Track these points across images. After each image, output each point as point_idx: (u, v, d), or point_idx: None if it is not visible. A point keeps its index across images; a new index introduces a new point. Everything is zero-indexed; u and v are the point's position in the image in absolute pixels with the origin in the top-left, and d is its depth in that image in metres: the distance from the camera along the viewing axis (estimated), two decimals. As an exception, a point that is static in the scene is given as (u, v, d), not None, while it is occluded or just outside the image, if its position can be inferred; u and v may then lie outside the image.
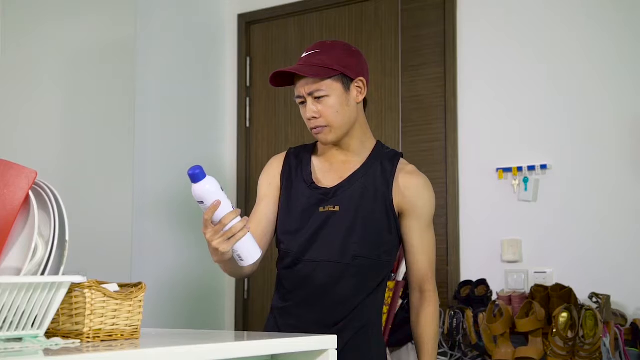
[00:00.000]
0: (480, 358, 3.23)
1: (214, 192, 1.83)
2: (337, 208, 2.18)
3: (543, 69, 3.53)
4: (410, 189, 2.21)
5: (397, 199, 2.20)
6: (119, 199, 3.90)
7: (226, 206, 1.85)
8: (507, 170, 3.54)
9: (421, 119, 3.81)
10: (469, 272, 3.59)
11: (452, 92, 3.72)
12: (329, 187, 2.21)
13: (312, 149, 2.32)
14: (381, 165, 2.23)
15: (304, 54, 2.20)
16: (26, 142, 4.12)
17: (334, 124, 2.17)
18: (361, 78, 2.21)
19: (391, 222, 2.19)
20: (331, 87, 2.16)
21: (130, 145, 3.89)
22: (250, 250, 1.93)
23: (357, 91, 2.21)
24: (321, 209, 2.18)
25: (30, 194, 1.60)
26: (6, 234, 1.57)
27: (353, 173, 2.22)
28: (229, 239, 1.86)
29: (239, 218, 1.87)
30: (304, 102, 2.18)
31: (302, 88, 2.16)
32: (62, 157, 4.05)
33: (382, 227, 2.18)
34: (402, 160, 2.27)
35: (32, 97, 4.17)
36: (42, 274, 1.58)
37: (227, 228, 1.85)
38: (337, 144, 2.24)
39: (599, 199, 3.36)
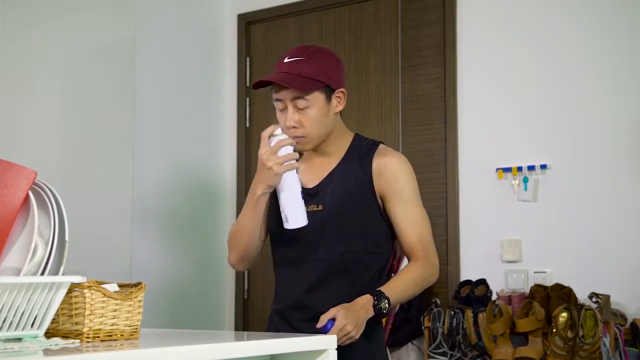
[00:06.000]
0: (480, 358, 3.24)
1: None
2: (320, 207, 2.19)
3: (543, 69, 3.53)
4: (385, 169, 2.20)
5: (377, 185, 2.19)
6: (119, 199, 3.90)
7: (285, 135, 2.11)
8: (507, 170, 3.54)
9: (421, 119, 3.81)
10: (468, 272, 3.59)
11: (452, 92, 3.72)
12: (309, 187, 2.22)
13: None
14: (359, 157, 2.23)
15: (288, 59, 2.17)
16: (26, 142, 4.12)
17: (311, 134, 2.18)
18: (342, 89, 2.22)
19: (376, 211, 2.19)
20: (315, 99, 2.15)
21: (130, 146, 3.89)
22: (298, 214, 2.09)
23: (337, 101, 2.21)
24: (306, 209, 2.19)
25: (30, 194, 1.60)
26: (6, 234, 1.57)
27: (331, 171, 2.23)
28: (282, 163, 2.05)
29: (292, 149, 2.08)
30: (284, 109, 2.18)
31: (286, 96, 2.16)
32: (62, 157, 4.06)
33: (367, 219, 2.19)
34: (380, 147, 2.26)
35: (32, 97, 4.17)
36: (42, 274, 1.58)
37: (282, 153, 2.06)
38: (314, 149, 2.25)
39: (599, 199, 3.36)
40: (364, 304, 2.06)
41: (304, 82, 2.13)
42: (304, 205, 2.11)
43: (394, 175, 2.20)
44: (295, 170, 2.09)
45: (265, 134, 2.10)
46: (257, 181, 2.12)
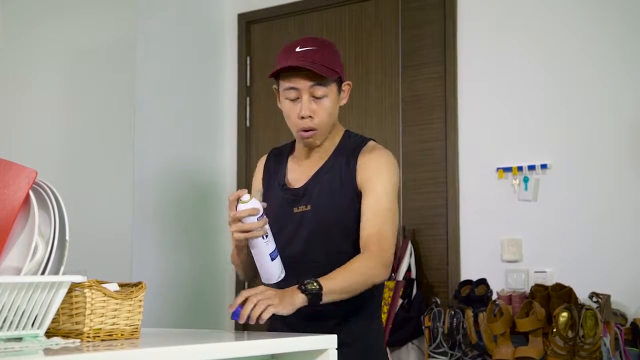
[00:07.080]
0: (480, 358, 3.23)
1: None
2: (308, 207, 2.17)
3: (543, 68, 3.53)
4: (367, 162, 2.16)
5: (359, 180, 2.16)
6: (119, 199, 3.90)
7: (252, 202, 2.00)
8: (507, 169, 3.54)
9: (421, 118, 3.81)
10: (469, 271, 3.59)
11: (452, 92, 3.72)
12: (297, 187, 2.22)
13: (290, 148, 2.33)
14: (346, 155, 2.20)
15: (302, 49, 2.11)
16: (26, 142, 4.13)
17: (325, 126, 2.16)
18: (349, 82, 2.21)
19: (359, 209, 2.14)
20: (331, 89, 2.14)
21: (130, 146, 3.89)
22: (270, 273, 2.09)
23: (343, 95, 2.21)
24: (295, 210, 2.18)
25: (31, 193, 1.60)
26: (6, 234, 1.57)
27: (318, 170, 2.21)
28: (244, 232, 1.99)
29: (255, 219, 1.98)
30: (296, 99, 2.13)
31: (303, 83, 2.11)
32: (62, 157, 4.06)
33: (352, 218, 2.14)
34: (368, 144, 2.22)
35: (32, 97, 4.18)
36: (42, 273, 1.58)
37: (247, 221, 1.99)
38: None
39: (599, 198, 3.36)
40: (290, 287, 1.97)
41: (326, 70, 2.10)
42: (278, 261, 2.08)
43: (371, 167, 2.15)
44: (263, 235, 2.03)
45: (231, 198, 2.02)
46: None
